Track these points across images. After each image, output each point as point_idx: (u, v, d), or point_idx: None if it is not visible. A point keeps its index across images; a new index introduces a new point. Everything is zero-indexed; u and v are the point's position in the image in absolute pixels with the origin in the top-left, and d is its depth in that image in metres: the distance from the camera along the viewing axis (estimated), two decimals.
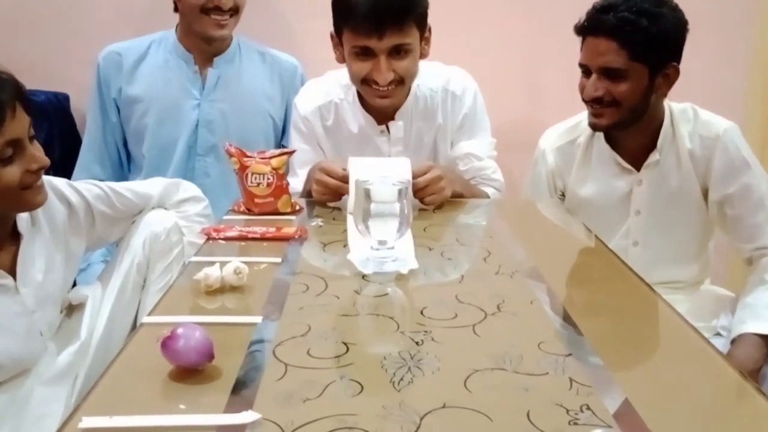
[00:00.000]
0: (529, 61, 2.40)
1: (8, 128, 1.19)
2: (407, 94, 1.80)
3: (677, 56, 1.62)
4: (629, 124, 1.65)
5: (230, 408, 0.77)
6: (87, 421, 0.73)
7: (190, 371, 0.84)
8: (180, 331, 0.84)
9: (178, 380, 0.83)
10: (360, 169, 1.50)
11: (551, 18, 2.30)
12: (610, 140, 1.74)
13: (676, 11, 1.59)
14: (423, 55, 1.75)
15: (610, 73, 1.59)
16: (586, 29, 1.62)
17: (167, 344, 0.83)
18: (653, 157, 1.70)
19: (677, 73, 1.63)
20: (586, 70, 1.64)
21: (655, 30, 1.55)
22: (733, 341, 1.59)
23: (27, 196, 1.27)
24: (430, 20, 1.73)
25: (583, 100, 1.66)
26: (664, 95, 1.67)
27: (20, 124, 1.21)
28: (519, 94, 2.40)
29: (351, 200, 1.44)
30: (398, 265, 1.21)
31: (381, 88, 1.69)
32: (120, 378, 0.85)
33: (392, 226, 1.20)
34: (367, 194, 1.20)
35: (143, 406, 0.78)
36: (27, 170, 1.23)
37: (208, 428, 0.73)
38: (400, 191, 1.20)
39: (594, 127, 1.68)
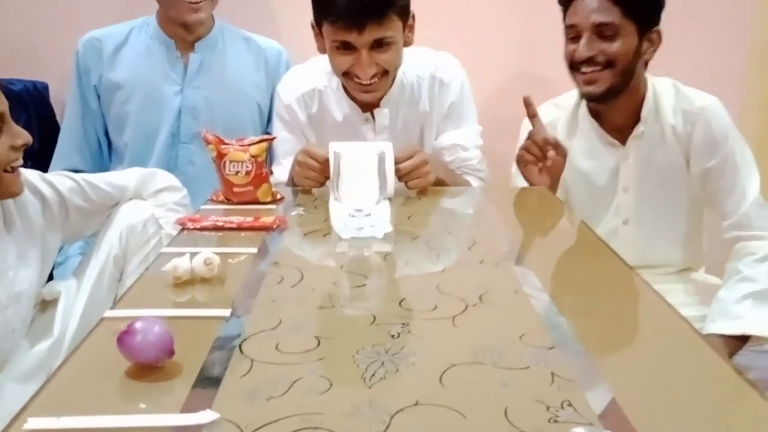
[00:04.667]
0: (523, 49, 2.34)
1: None
2: (392, 83, 1.74)
3: (659, 20, 1.62)
4: (620, 91, 1.63)
5: (188, 407, 0.72)
6: (32, 422, 0.68)
7: (149, 368, 0.79)
8: (138, 325, 0.78)
9: (135, 378, 0.78)
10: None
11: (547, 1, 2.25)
12: (594, 115, 1.70)
13: None
14: (407, 43, 1.69)
15: (602, 32, 1.58)
16: None
17: (123, 340, 0.78)
18: (638, 129, 1.68)
19: (660, 38, 1.63)
20: (575, 34, 1.61)
21: None
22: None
23: (6, 181, 1.24)
24: (423, 5, 1.67)
25: (572, 65, 1.63)
26: (647, 62, 1.66)
27: (1, 100, 1.22)
28: (512, 83, 2.34)
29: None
30: (374, 231, 1.22)
31: (364, 83, 1.64)
32: (73, 376, 0.80)
33: (367, 193, 1.21)
34: (339, 158, 1.21)
35: (96, 406, 0.72)
36: (11, 146, 1.23)
37: (162, 429, 0.68)
38: (375, 157, 1.21)
39: (589, 96, 1.65)
